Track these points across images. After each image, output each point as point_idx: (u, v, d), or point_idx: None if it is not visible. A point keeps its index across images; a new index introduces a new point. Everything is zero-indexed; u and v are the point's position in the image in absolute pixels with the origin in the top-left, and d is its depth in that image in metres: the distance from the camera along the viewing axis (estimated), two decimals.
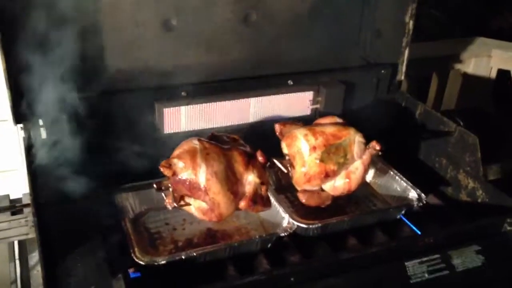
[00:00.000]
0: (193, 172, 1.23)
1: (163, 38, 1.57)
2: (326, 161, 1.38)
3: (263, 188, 1.32)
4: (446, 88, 2.74)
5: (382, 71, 1.79)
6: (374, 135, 1.48)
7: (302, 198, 1.43)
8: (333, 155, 1.39)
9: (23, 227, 1.25)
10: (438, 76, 2.74)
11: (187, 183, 1.23)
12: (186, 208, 1.30)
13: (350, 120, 1.51)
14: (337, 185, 1.44)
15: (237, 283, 1.13)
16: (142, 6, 1.51)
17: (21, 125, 1.34)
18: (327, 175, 1.39)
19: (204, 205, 1.26)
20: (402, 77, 1.80)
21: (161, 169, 1.23)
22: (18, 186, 1.62)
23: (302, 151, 1.39)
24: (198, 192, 1.24)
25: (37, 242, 1.03)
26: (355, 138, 1.43)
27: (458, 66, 2.67)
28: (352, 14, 1.80)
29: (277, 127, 1.47)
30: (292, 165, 1.41)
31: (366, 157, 1.44)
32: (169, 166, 1.23)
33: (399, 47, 1.76)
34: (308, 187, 1.43)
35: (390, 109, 1.80)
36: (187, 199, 1.28)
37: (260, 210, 1.34)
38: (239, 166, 1.29)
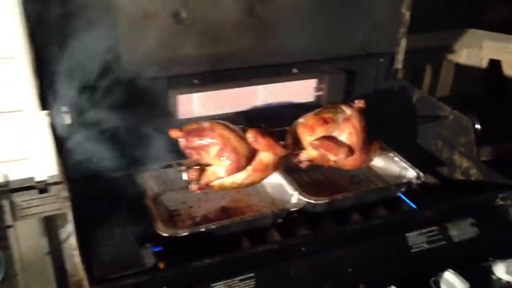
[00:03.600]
0: (198, 124, 1.36)
1: (174, 29, 1.64)
2: (320, 114, 1.47)
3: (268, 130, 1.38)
4: (439, 78, 2.81)
5: (381, 60, 1.88)
6: (374, 120, 1.54)
7: (316, 145, 1.43)
8: (324, 110, 1.49)
9: (53, 203, 1.33)
10: (432, 66, 2.79)
11: (195, 130, 1.34)
12: (207, 176, 1.34)
13: None
14: (344, 133, 1.46)
15: (252, 251, 1.21)
16: None
17: (46, 111, 1.43)
18: (326, 121, 1.44)
19: (218, 148, 1.32)
20: (400, 66, 1.88)
21: (170, 132, 1.35)
22: (34, 173, 1.68)
23: (298, 122, 1.48)
24: (206, 134, 1.33)
25: (72, 214, 1.12)
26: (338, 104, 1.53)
27: (450, 56, 2.73)
28: (351, 5, 1.87)
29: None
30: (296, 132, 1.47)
31: (356, 107, 1.50)
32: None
33: (396, 37, 1.85)
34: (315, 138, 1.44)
35: (389, 96, 1.88)
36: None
37: (272, 147, 1.35)
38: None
